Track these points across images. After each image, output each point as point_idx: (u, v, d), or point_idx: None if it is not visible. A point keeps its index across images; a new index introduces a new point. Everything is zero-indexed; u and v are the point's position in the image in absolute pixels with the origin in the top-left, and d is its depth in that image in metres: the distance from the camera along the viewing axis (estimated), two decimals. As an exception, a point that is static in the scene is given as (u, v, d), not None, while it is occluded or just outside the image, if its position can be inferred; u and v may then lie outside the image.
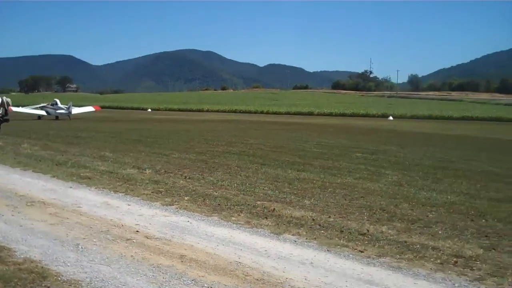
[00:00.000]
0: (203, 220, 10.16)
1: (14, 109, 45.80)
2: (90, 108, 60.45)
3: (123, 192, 12.71)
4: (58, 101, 53.44)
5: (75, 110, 55.05)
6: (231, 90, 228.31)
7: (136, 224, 9.71)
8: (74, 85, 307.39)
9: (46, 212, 10.59)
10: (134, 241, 8.66)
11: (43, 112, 51.82)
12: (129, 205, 11.38)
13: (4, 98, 21.83)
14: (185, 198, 12.16)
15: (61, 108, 51.43)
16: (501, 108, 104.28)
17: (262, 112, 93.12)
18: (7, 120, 21.71)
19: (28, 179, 14.51)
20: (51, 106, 51.87)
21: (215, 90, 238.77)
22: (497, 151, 25.82)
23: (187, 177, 15.04)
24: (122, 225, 9.64)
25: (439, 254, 8.20)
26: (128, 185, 13.60)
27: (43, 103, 55.87)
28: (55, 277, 6.88)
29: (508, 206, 12.15)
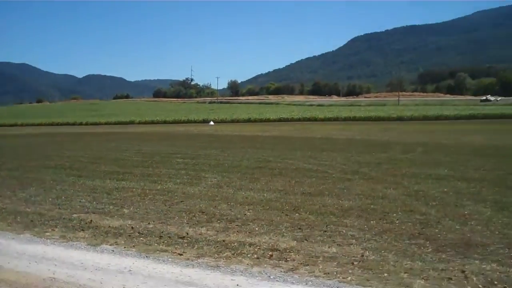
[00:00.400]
0: (13, 238, 9.57)
1: None
2: None
3: None
4: None
5: None
6: (48, 103, 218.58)
7: None
8: None
9: None
10: None
11: None
12: None
13: None
14: (-7, 218, 11.39)
15: None
16: (314, 109, 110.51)
17: (81, 124, 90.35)
18: None
19: None
20: None
21: (30, 103, 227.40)
22: (310, 149, 27.21)
23: (-4, 196, 14.11)
24: None
25: (256, 249, 8.45)
26: None
27: None
28: None
29: (319, 199, 12.84)
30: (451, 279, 6.80)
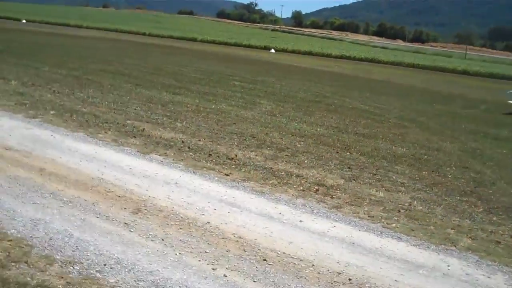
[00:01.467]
0: (67, 135, 9.75)
1: None
2: None
3: (-18, 102, 11.93)
4: None
5: None
6: (113, 9, 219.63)
7: (-6, 135, 9.16)
8: None
9: None
10: (-8, 151, 8.18)
11: None
12: (-12, 116, 10.70)
13: None
14: (51, 112, 11.59)
15: None
16: (377, 51, 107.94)
17: (144, 34, 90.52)
18: None
19: None
20: None
21: (96, 7, 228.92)
22: (369, 90, 26.71)
23: (56, 92, 14.33)
24: (-22, 137, 9.06)
25: (302, 181, 8.41)
26: (-10, 95, 12.77)
27: None
28: None
29: (372, 141, 12.65)
30: (499, 242, 6.63)
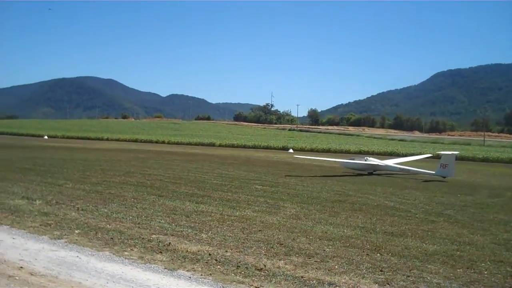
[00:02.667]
0: (93, 255, 9.64)
1: None
2: None
3: (8, 225, 11.91)
4: None
5: None
6: (132, 119, 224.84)
7: (20, 260, 9.08)
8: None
9: None
10: (17, 278, 8.07)
11: None
12: (14, 238, 10.66)
13: None
14: (76, 231, 11.55)
15: None
16: (395, 143, 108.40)
17: (163, 142, 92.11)
18: None
19: None
20: None
21: (116, 118, 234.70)
22: (392, 185, 26.55)
23: (80, 209, 14.37)
24: (5, 261, 8.99)
25: (336, 290, 8.15)
26: (14, 217, 12.79)
27: None
28: None
29: (402, 240, 12.39)
30: None
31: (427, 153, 52.01)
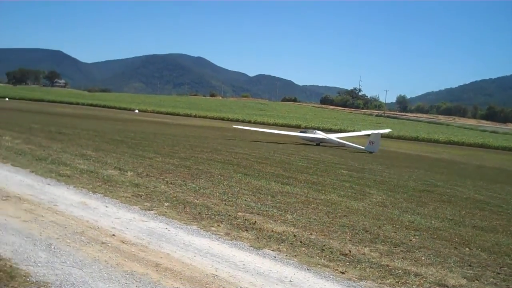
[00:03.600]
0: (181, 228, 9.86)
1: None
2: None
3: (101, 193, 12.36)
4: None
5: None
6: (220, 98, 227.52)
7: (113, 228, 9.41)
8: (63, 81, 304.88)
9: (21, 208, 10.24)
10: (109, 245, 8.36)
11: None
12: (107, 207, 11.05)
13: None
14: (165, 204, 11.85)
15: None
16: (487, 135, 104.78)
17: (249, 121, 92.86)
18: None
19: (5, 172, 14.12)
20: None
21: (204, 96, 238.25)
22: (482, 178, 25.74)
23: (169, 182, 14.72)
24: (98, 228, 9.33)
25: (422, 281, 7.99)
26: (107, 186, 13.26)
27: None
28: (24, 278, 6.60)
29: (493, 235, 12.00)
30: None
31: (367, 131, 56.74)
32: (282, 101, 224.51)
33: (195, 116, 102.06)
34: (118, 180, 14.22)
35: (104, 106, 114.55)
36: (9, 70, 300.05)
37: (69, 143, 22.51)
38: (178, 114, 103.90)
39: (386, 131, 49.86)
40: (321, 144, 42.62)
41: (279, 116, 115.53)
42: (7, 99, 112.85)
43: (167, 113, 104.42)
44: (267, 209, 12.38)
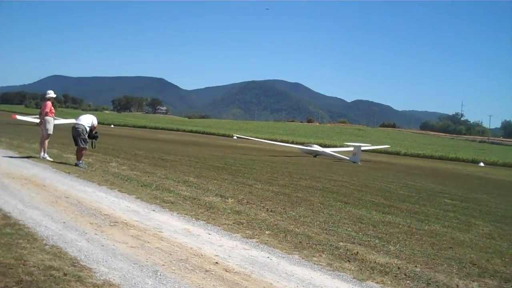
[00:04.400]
0: (283, 257, 9.84)
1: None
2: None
3: (204, 220, 12.57)
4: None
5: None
6: (317, 124, 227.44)
7: (216, 255, 9.52)
8: (164, 108, 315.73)
9: (128, 233, 10.58)
10: (213, 273, 8.46)
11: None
12: (209, 234, 11.22)
13: (94, 117, 22.47)
14: (266, 232, 11.89)
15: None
16: None
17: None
18: (96, 137, 22.30)
19: (113, 198, 14.66)
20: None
21: (301, 122, 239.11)
22: None
23: (269, 210, 14.78)
24: (202, 255, 9.47)
25: (537, 320, 7.57)
26: (210, 213, 13.48)
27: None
28: (133, 304, 6.79)
29: None
30: None
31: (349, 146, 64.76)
32: (380, 126, 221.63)
33: (292, 142, 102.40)
34: (219, 207, 14.43)
35: (203, 132, 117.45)
36: (114, 97, 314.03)
37: (172, 169, 23.15)
38: (275, 140, 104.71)
39: (362, 144, 58.14)
40: (317, 156, 52.04)
41: (377, 142, 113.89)
42: (112, 125, 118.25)
43: (264, 139, 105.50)
44: (368, 239, 12.16)
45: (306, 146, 58.48)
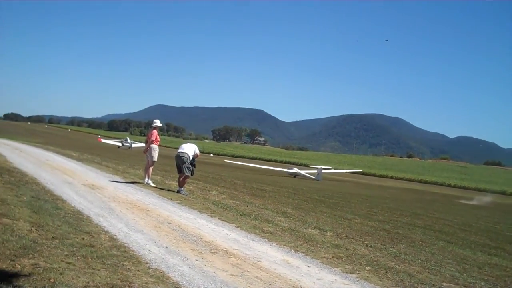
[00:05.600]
0: (394, 297, 9.61)
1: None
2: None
3: (303, 252, 12.49)
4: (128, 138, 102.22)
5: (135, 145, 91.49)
6: (418, 159, 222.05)
7: (315, 289, 9.43)
8: (263, 139, 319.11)
9: (228, 261, 10.67)
10: (313, 307, 8.39)
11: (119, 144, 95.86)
12: (308, 266, 11.13)
13: (196, 146, 22.99)
14: (366, 268, 11.64)
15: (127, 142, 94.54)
16: None
17: (449, 185, 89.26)
18: (194, 165, 22.78)
19: (213, 226, 14.86)
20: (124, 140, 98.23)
21: (400, 157, 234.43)
22: None
23: (369, 246, 14.48)
24: (301, 287, 9.41)
25: None
26: (309, 246, 13.39)
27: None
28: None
29: None
30: None
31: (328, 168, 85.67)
32: (484, 164, 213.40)
33: (391, 177, 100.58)
34: (318, 240, 14.30)
35: (301, 164, 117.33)
36: (214, 127, 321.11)
37: (270, 200, 23.26)
38: (374, 175, 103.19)
39: (322, 167, 75.73)
40: (296, 176, 63.87)
41: (481, 181, 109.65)
42: (211, 154, 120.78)
43: (362, 173, 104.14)
44: (474, 281, 11.64)
45: (289, 169, 70.09)
